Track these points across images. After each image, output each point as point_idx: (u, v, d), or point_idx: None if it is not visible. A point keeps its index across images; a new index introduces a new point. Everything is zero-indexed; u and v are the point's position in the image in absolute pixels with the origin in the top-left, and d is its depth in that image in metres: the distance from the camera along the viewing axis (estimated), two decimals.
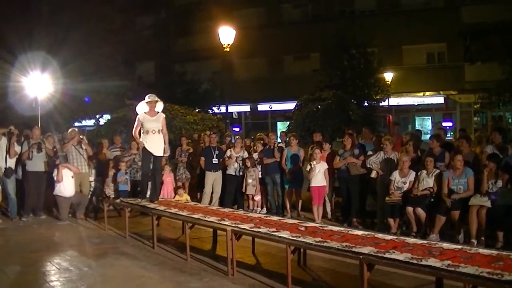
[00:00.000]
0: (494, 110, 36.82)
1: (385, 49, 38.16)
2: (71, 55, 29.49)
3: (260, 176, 16.20)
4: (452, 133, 35.95)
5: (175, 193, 15.90)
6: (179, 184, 16.96)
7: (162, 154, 13.82)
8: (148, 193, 14.26)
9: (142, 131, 13.44)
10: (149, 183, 14.14)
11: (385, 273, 8.29)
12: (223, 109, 29.72)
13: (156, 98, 13.52)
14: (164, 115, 13.88)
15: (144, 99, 13.53)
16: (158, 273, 10.01)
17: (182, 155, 17.82)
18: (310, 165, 14.50)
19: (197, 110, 28.88)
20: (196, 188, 17.75)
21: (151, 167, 13.70)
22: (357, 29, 35.88)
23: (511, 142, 13.27)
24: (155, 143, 13.45)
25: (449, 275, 6.28)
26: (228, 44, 23.40)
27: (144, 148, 13.45)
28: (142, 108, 13.56)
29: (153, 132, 13.38)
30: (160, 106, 13.69)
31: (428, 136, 25.35)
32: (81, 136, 16.84)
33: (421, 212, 12.14)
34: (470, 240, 11.40)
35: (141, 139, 13.46)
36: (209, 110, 35.66)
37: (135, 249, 12.14)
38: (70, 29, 30.72)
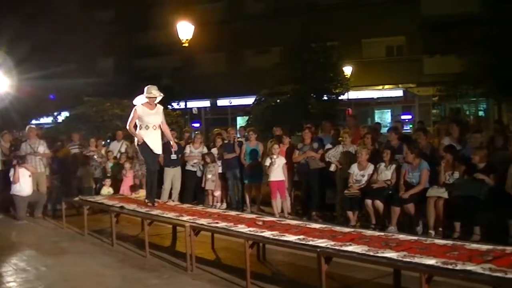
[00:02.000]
0: (452, 103, 37.20)
1: (345, 43, 38.25)
2: (28, 51, 29.13)
3: (220, 171, 16.19)
4: (411, 126, 36.23)
5: (131, 191, 15.85)
6: (136, 181, 16.90)
7: (160, 152, 12.60)
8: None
9: (139, 126, 12.01)
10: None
11: (345, 265, 8.30)
12: (183, 104, 29.64)
13: (158, 93, 12.00)
14: (162, 107, 12.55)
15: (143, 92, 11.97)
16: (118, 270, 9.95)
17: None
18: (270, 159, 14.50)
19: None
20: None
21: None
22: (317, 23, 35.95)
23: (469, 134, 13.44)
24: (156, 140, 12.18)
25: (405, 265, 6.36)
26: (187, 39, 23.31)
27: (143, 144, 11.96)
28: (140, 100, 12.06)
29: (154, 127, 12.04)
30: (159, 98, 12.19)
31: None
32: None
33: (379, 204, 12.25)
34: (428, 231, 11.52)
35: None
36: (168, 106, 35.54)
37: (94, 247, 12.07)
38: (28, 25, 30.37)
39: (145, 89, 11.94)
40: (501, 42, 21.62)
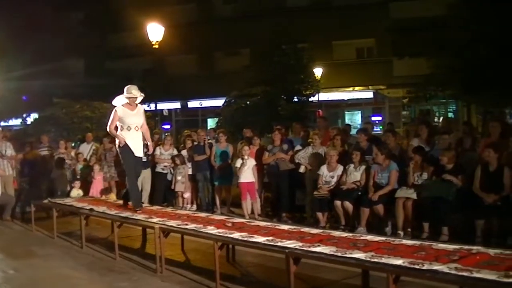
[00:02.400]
0: (422, 104, 37.51)
1: (316, 45, 38.36)
2: None
3: (190, 173, 16.18)
4: (381, 127, 36.47)
5: (101, 193, 15.79)
6: (105, 183, 16.85)
7: (142, 155, 12.10)
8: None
9: (120, 127, 11.51)
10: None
11: (314, 266, 8.36)
12: (153, 106, 29.52)
13: (139, 93, 11.51)
14: (144, 107, 12.17)
15: (123, 92, 11.53)
16: (87, 273, 9.92)
17: (106, 154, 17.62)
18: (242, 159, 14.51)
19: None
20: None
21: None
22: (288, 25, 36.03)
23: (437, 135, 13.58)
24: (138, 141, 11.64)
25: (372, 266, 6.40)
26: (157, 41, 23.25)
27: (125, 146, 11.43)
28: (120, 100, 11.59)
29: (136, 128, 11.52)
30: (140, 98, 11.68)
31: None
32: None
33: (348, 205, 12.33)
34: (397, 231, 11.62)
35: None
36: None
37: (63, 249, 12.01)
38: None
39: (125, 89, 11.55)
40: (468, 45, 21.86)
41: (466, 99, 26.87)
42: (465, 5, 23.21)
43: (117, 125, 11.57)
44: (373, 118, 39.72)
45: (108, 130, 11.84)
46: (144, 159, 15.95)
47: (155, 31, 23.34)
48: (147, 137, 12.03)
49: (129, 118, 11.47)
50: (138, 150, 11.65)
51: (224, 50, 45.72)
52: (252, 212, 14.53)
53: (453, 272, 5.64)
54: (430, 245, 6.94)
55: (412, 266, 5.97)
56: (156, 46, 23.36)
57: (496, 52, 21.06)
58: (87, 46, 45.22)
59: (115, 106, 11.64)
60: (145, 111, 27.39)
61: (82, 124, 24.15)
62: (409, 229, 11.62)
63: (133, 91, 11.42)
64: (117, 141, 11.65)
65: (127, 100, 11.50)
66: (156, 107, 27.20)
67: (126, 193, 12.26)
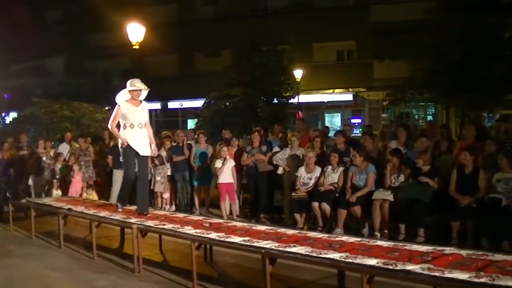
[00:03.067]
0: (402, 107, 37.70)
1: (296, 47, 38.46)
2: None
3: (169, 174, 16.20)
4: (361, 130, 36.61)
5: (81, 193, 15.78)
6: (84, 183, 16.85)
7: (149, 154, 11.35)
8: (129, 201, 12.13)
9: (123, 125, 10.81)
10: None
11: (291, 267, 8.45)
12: None
13: (143, 86, 10.85)
14: (147, 103, 11.33)
15: (126, 87, 10.85)
16: (65, 272, 9.94)
17: (83, 154, 17.62)
18: (221, 160, 14.57)
19: (107, 108, 28.60)
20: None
21: (136, 169, 11.17)
22: (268, 27, 36.11)
23: (415, 138, 13.71)
24: (142, 140, 10.88)
25: (347, 266, 6.49)
26: (137, 42, 23.19)
27: (127, 147, 10.73)
28: (123, 96, 10.90)
29: (140, 126, 10.81)
30: (144, 94, 11.03)
31: None
32: None
33: (326, 207, 12.42)
34: (374, 233, 11.73)
35: (123, 135, 10.83)
36: None
37: (41, 249, 12.00)
38: None
39: (128, 82, 10.88)
40: (445, 49, 22.06)
41: (444, 102, 27.07)
42: (443, 10, 23.45)
43: (120, 123, 10.86)
44: (353, 121, 39.91)
45: (109, 127, 11.11)
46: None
47: (135, 32, 23.26)
48: (150, 137, 11.26)
49: (133, 114, 10.80)
50: (143, 149, 10.93)
51: (205, 51, 45.68)
52: (231, 213, 14.59)
53: (425, 272, 5.74)
54: (404, 246, 7.04)
55: (385, 266, 6.07)
56: (137, 47, 23.30)
57: (471, 56, 21.29)
58: (67, 45, 45.09)
59: (117, 104, 10.89)
60: None
61: (61, 123, 24.03)
62: (385, 231, 11.74)
63: (137, 84, 10.83)
64: (119, 140, 11.12)
65: (129, 96, 10.85)
66: None
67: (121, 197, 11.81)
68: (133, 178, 11.23)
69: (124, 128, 10.81)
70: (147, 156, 11.47)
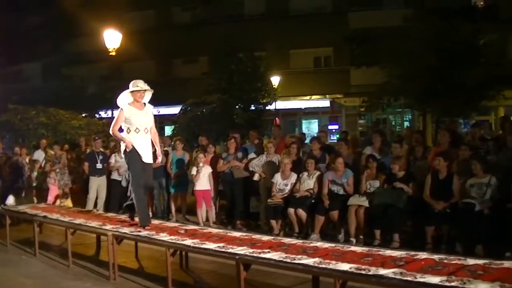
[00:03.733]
0: (378, 113, 37.86)
1: (273, 53, 38.52)
2: None
3: None
4: (338, 136, 36.72)
5: (54, 200, 15.72)
6: (60, 190, 16.79)
7: (152, 162, 10.37)
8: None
9: (126, 130, 10.04)
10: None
11: (266, 273, 8.48)
12: (110, 113, 29.35)
13: (146, 86, 10.09)
14: (152, 106, 10.47)
15: (128, 88, 10.08)
16: (40, 280, 9.90)
17: (57, 162, 17.56)
18: (197, 167, 14.56)
19: (83, 115, 28.54)
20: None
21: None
22: (245, 33, 36.15)
23: (390, 144, 13.82)
24: (147, 145, 10.12)
25: (320, 271, 6.53)
26: (114, 48, 23.15)
27: (132, 151, 9.90)
28: (124, 98, 10.08)
29: (146, 130, 10.06)
30: (148, 96, 10.28)
31: None
32: None
33: (302, 213, 12.47)
34: (349, 239, 11.80)
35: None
36: (96, 115, 35.11)
37: (16, 257, 11.91)
38: None
39: (130, 84, 10.11)
40: (421, 56, 22.27)
41: (421, 108, 27.22)
42: (419, 17, 23.71)
43: (123, 127, 10.11)
44: (330, 127, 39.96)
45: (111, 132, 10.30)
46: (99, 166, 16.12)
47: (112, 38, 23.23)
48: (155, 142, 10.59)
49: (138, 118, 10.02)
50: (147, 156, 10.13)
51: (182, 57, 45.61)
52: (207, 219, 14.60)
53: (398, 277, 5.79)
54: (378, 252, 7.10)
55: (358, 271, 6.12)
56: (113, 53, 23.26)
57: (447, 62, 21.54)
58: (44, 51, 44.83)
59: (119, 108, 10.18)
60: (101, 118, 26.87)
61: (37, 130, 23.90)
62: (361, 236, 11.81)
63: (140, 84, 10.05)
64: (122, 146, 10.20)
65: (132, 98, 10.06)
66: (113, 113, 27.02)
67: (130, 206, 10.65)
68: (147, 183, 10.40)
69: (128, 133, 10.04)
70: (151, 164, 10.44)
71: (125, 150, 10.03)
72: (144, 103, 10.21)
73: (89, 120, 25.96)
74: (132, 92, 10.04)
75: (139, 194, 10.05)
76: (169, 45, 43.62)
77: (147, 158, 10.10)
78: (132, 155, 9.95)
